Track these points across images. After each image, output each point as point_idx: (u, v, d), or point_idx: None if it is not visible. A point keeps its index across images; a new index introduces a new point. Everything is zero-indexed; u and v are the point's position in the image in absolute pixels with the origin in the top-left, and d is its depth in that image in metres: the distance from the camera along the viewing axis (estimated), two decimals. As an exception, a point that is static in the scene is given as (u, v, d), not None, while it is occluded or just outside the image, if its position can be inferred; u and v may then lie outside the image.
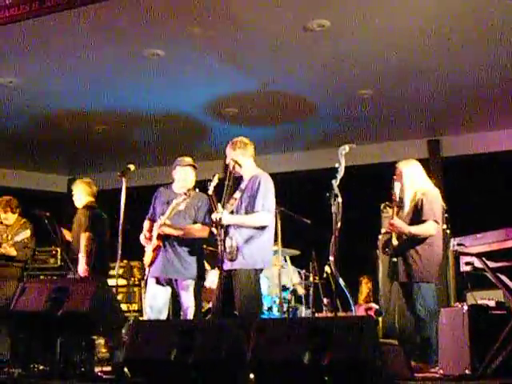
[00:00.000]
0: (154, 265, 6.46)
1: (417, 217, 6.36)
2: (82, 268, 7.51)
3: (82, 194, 8.04)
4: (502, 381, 4.45)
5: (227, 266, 6.05)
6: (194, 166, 6.68)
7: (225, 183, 6.14)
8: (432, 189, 6.52)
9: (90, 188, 8.10)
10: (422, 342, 6.18)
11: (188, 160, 6.69)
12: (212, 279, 7.78)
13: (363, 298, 9.59)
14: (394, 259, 6.44)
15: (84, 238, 7.66)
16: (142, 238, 6.62)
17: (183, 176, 6.63)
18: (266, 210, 6.10)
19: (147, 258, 6.50)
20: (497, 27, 7.01)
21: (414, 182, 6.51)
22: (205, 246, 6.83)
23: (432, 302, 6.27)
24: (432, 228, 6.31)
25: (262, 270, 6.21)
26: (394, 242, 6.44)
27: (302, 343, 4.15)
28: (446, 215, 6.83)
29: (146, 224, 6.70)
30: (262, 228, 6.11)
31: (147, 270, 6.54)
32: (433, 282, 6.33)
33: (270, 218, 6.18)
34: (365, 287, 9.67)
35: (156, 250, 6.45)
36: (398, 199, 6.50)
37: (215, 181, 6.24)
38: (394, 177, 6.63)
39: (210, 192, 6.20)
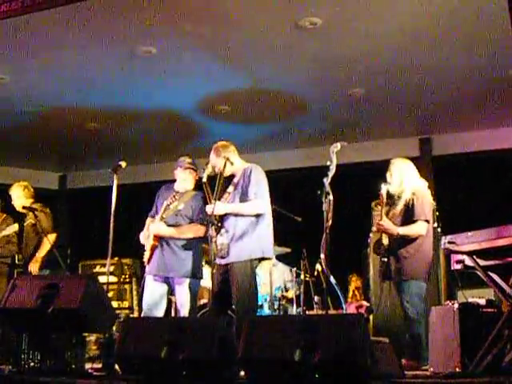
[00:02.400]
0: (151, 263, 6.47)
1: (408, 216, 6.39)
2: (35, 268, 7.84)
3: (24, 198, 8.23)
4: (491, 379, 4.46)
5: (223, 260, 6.06)
6: (193, 169, 6.66)
7: (216, 181, 6.17)
8: (422, 188, 6.55)
9: (29, 191, 8.31)
10: (412, 339, 6.21)
11: (188, 162, 6.67)
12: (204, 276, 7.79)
13: (350, 296, 9.59)
14: (385, 259, 6.47)
15: (53, 237, 8.12)
16: (141, 236, 6.63)
17: (183, 177, 6.62)
18: (259, 197, 6.11)
19: (146, 256, 6.52)
20: (487, 27, 7.02)
21: (407, 179, 6.53)
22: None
23: (419, 300, 6.29)
24: (422, 228, 6.36)
25: (261, 259, 6.21)
26: (385, 241, 6.47)
27: (292, 341, 4.15)
28: (437, 213, 6.85)
29: (148, 222, 6.70)
30: (259, 217, 6.12)
31: (147, 267, 6.55)
32: (421, 280, 6.35)
33: (265, 206, 6.18)
34: (353, 285, 9.67)
35: (153, 248, 6.46)
36: (384, 199, 6.52)
37: (209, 169, 6.30)
38: (388, 172, 6.65)
39: (204, 179, 6.25)
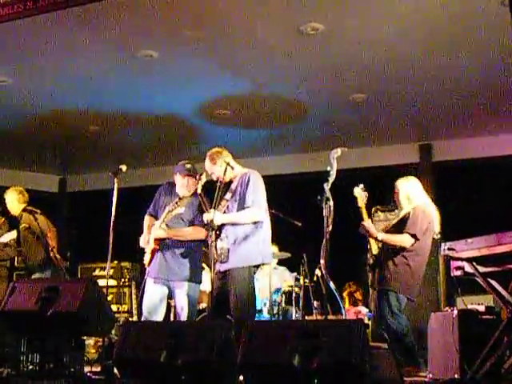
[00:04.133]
0: (151, 266, 6.46)
1: (399, 228, 6.41)
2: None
3: (17, 202, 8.24)
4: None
5: (221, 266, 6.05)
6: (192, 175, 6.50)
7: (215, 188, 6.15)
8: (423, 204, 6.54)
9: (24, 196, 8.33)
10: (404, 350, 6.17)
11: (187, 169, 6.53)
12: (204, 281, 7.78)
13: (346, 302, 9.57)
14: (371, 267, 6.55)
15: (54, 234, 8.17)
16: (141, 240, 6.61)
17: (181, 184, 6.57)
18: (257, 205, 6.10)
19: (147, 259, 6.51)
20: (487, 33, 7.03)
21: (411, 200, 6.54)
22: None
23: (399, 312, 6.29)
24: (405, 240, 6.36)
25: (260, 265, 6.21)
26: (374, 250, 6.53)
27: (291, 346, 4.15)
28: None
29: (147, 219, 6.68)
30: (257, 223, 6.12)
31: (147, 269, 6.54)
32: (402, 294, 6.34)
33: (262, 213, 6.17)
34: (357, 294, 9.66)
35: (154, 252, 6.44)
36: (361, 201, 6.53)
37: (203, 180, 6.25)
38: (394, 195, 6.69)
39: (199, 191, 6.23)
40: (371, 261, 6.65)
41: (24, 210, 8.22)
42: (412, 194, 6.59)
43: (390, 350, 5.12)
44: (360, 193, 6.56)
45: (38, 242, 8.06)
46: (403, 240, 6.35)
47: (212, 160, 6.33)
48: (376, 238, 6.46)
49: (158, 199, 6.70)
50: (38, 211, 8.29)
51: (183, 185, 6.54)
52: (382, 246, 6.55)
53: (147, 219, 6.68)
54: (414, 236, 6.34)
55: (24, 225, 8.12)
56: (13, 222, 8.44)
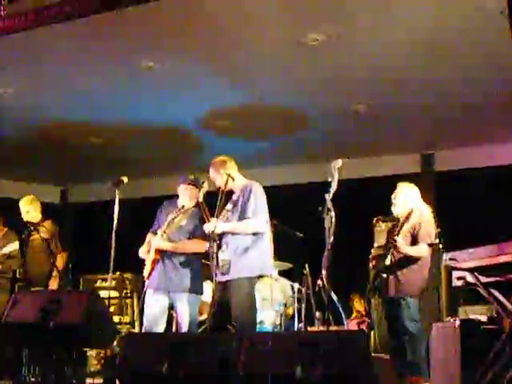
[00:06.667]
0: (151, 277, 6.46)
1: (413, 240, 6.51)
2: (55, 285, 7.71)
3: (37, 211, 8.20)
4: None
5: (222, 277, 6.06)
6: (196, 186, 6.55)
7: (216, 198, 6.16)
8: (427, 213, 6.67)
9: (38, 204, 8.32)
10: (412, 355, 6.22)
11: (191, 179, 6.59)
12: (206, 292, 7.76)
13: (354, 316, 9.57)
14: (384, 275, 6.56)
15: (65, 257, 8.08)
16: (140, 251, 6.62)
17: (185, 194, 6.60)
18: (257, 216, 6.11)
19: (146, 271, 6.50)
20: (489, 44, 7.04)
21: (412, 203, 6.61)
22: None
23: (418, 315, 6.42)
24: (425, 250, 6.54)
25: (260, 277, 6.22)
26: (387, 262, 6.56)
27: (293, 357, 4.15)
28: (438, 229, 6.89)
29: (149, 237, 6.69)
30: (258, 235, 6.12)
31: (146, 282, 6.54)
32: (416, 297, 6.51)
33: (263, 224, 6.18)
34: (356, 306, 9.66)
35: (154, 262, 6.45)
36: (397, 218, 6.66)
37: (205, 188, 6.28)
38: (393, 195, 6.73)
39: (201, 199, 6.24)
40: (383, 270, 6.71)
41: (43, 222, 8.20)
42: (413, 198, 6.68)
43: (392, 360, 5.11)
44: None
45: (49, 256, 8.03)
46: (423, 251, 6.54)
47: (215, 168, 6.38)
48: (406, 254, 6.55)
49: (159, 216, 6.71)
50: (57, 228, 8.29)
51: (186, 194, 6.57)
52: (393, 255, 6.60)
53: (149, 237, 6.68)
54: (430, 245, 6.55)
55: (42, 235, 8.06)
56: (22, 230, 8.40)
